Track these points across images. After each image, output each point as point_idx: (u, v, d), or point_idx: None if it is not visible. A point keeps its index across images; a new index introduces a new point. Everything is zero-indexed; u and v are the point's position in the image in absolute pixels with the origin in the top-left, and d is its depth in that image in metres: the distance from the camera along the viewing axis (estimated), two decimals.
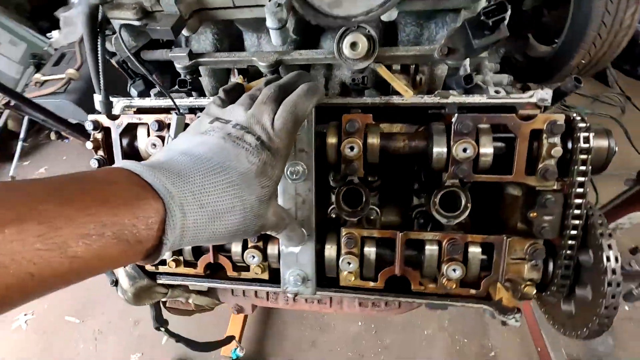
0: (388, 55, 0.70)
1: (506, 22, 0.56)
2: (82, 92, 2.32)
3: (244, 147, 0.51)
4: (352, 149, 0.64)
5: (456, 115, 0.62)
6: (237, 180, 0.48)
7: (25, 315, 2.31)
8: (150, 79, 0.70)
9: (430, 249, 0.67)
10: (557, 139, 0.59)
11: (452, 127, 0.61)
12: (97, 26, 0.71)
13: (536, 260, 0.63)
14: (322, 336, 2.22)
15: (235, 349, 1.74)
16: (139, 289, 0.87)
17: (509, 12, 0.54)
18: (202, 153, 0.49)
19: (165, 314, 1.06)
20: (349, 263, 0.68)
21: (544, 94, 0.66)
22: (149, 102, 0.76)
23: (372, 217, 0.77)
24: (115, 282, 0.89)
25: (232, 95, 0.60)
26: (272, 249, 0.72)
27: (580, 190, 0.58)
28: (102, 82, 0.73)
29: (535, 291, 0.65)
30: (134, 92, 0.90)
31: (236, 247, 0.73)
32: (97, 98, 0.74)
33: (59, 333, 2.24)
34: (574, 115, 0.60)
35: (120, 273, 0.87)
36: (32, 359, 2.15)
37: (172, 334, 1.11)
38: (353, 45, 0.62)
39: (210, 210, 0.45)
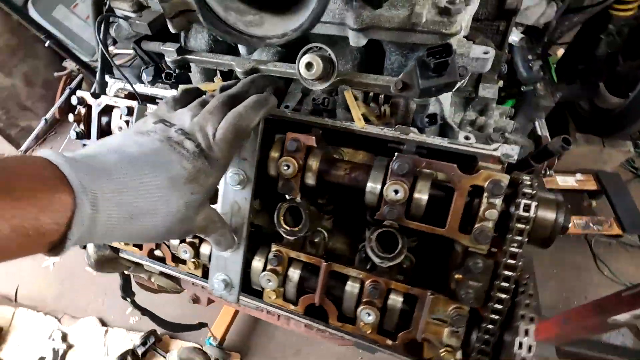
0: (356, 81, 0.68)
1: (452, 66, 0.52)
2: None
3: (180, 152, 0.51)
4: (287, 167, 0.63)
5: (396, 154, 0.59)
6: (165, 184, 0.48)
7: (50, 260, 2.56)
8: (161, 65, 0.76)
9: (351, 286, 0.64)
10: (498, 201, 0.54)
11: (389, 165, 0.58)
12: (102, 13, 0.78)
13: (456, 327, 0.57)
14: (308, 347, 2.19)
15: (209, 338, 1.78)
16: (102, 257, 0.93)
17: (453, 56, 0.51)
18: (133, 153, 0.49)
19: None
20: (269, 280, 0.67)
21: (510, 149, 0.60)
22: (141, 88, 0.82)
23: (316, 240, 0.76)
24: (84, 246, 0.96)
25: (187, 99, 0.62)
26: (204, 249, 0.74)
27: (511, 261, 0.52)
28: (99, 63, 0.80)
29: (453, 359, 0.59)
30: (145, 76, 0.97)
31: (174, 240, 0.76)
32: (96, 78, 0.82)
33: (76, 281, 2.45)
34: (524, 178, 0.54)
35: None
36: (46, 299, 2.37)
37: (137, 306, 1.18)
38: (308, 65, 0.61)
39: (128, 210, 0.45)
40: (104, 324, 2.28)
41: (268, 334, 2.27)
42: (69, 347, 2.20)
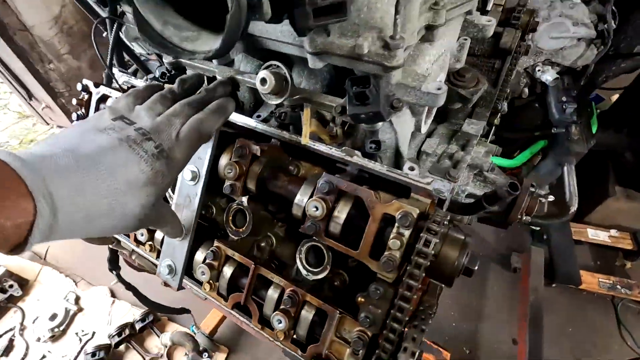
0: (314, 100, 0.72)
1: (375, 97, 0.54)
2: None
3: (139, 154, 0.51)
4: (230, 171, 0.68)
5: (324, 173, 0.62)
6: (122, 188, 0.48)
7: None
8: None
9: (272, 292, 0.68)
10: (406, 232, 0.55)
11: (317, 183, 0.61)
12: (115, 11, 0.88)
13: (355, 349, 0.59)
14: None
15: (192, 325, 1.86)
16: None
17: (371, 88, 0.53)
18: (90, 153, 0.48)
19: None
20: (202, 273, 0.72)
21: (442, 185, 0.62)
22: (139, 82, 0.91)
23: (262, 245, 0.80)
24: None
25: (147, 94, 0.63)
26: (158, 234, 0.80)
27: (407, 293, 0.53)
28: (108, 58, 0.91)
29: None
30: (157, 73, 1.07)
31: None
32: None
33: (98, 253, 2.64)
34: (437, 214, 0.55)
35: None
36: (69, 263, 2.60)
37: (122, 280, 1.27)
38: (263, 80, 0.67)
39: (85, 213, 0.45)
40: (112, 295, 2.46)
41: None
42: (79, 309, 2.40)
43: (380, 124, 0.68)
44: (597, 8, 1.73)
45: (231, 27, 0.43)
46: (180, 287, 0.80)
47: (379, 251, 0.58)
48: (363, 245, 0.58)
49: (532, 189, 0.92)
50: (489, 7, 1.00)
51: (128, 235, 0.88)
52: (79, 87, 0.89)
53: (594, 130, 2.28)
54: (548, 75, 1.91)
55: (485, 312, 2.41)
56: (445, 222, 0.54)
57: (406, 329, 0.55)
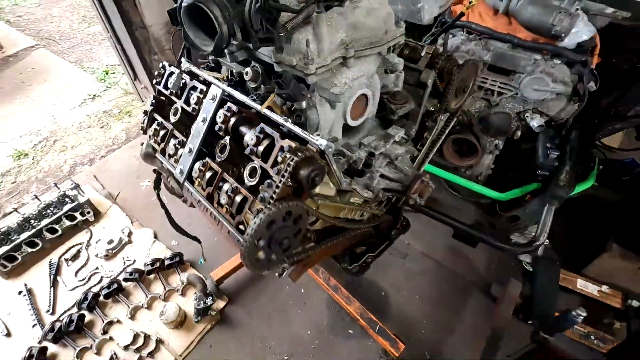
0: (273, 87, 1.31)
1: (292, 86, 1.11)
2: None
3: None
4: (220, 118, 1.28)
5: (261, 123, 1.19)
6: None
7: (147, 183, 3.64)
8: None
9: (227, 186, 1.25)
10: (289, 154, 1.09)
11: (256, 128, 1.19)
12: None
13: (256, 215, 1.13)
14: (293, 309, 2.75)
15: (201, 259, 2.48)
16: (147, 153, 1.71)
17: (284, 78, 1.10)
18: None
19: None
20: (195, 172, 1.32)
21: (323, 143, 1.15)
22: (194, 69, 1.58)
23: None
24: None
25: None
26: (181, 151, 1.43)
27: (276, 175, 1.07)
28: (180, 52, 1.59)
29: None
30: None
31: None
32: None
33: (153, 202, 3.46)
34: (308, 151, 1.08)
35: (146, 139, 1.72)
36: (131, 207, 3.43)
37: (160, 199, 1.94)
38: (246, 73, 1.27)
39: None
40: (155, 237, 3.21)
41: (260, 292, 2.87)
42: (129, 242, 3.18)
43: (303, 104, 1.24)
44: (580, 70, 2.09)
45: (217, 42, 1.04)
46: (183, 185, 1.41)
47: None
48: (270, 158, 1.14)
49: (423, 178, 1.40)
50: (422, 54, 1.51)
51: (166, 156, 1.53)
52: (160, 65, 1.58)
53: (588, 184, 2.54)
54: (535, 122, 2.29)
55: (456, 329, 2.70)
56: (309, 154, 1.07)
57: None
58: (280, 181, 1.08)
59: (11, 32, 6.17)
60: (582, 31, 1.91)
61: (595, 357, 1.42)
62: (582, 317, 1.62)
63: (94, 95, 4.87)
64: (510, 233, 2.73)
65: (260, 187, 1.14)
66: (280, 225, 1.12)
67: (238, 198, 1.20)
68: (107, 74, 5.24)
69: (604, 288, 2.71)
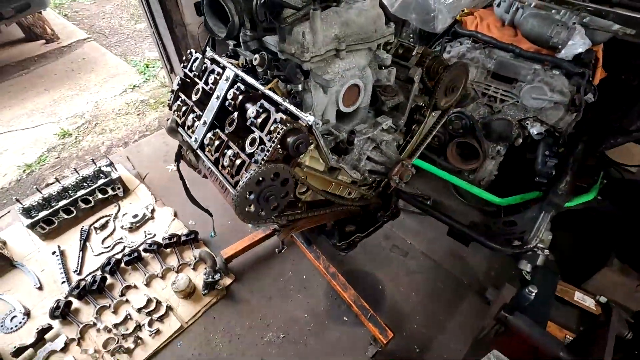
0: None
1: (289, 70, 1.36)
2: None
3: None
4: (231, 95, 1.56)
5: (262, 100, 1.44)
6: None
7: (172, 167, 4.00)
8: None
9: (230, 152, 1.51)
10: (280, 125, 1.34)
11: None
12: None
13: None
14: (295, 292, 2.97)
15: (212, 232, 2.76)
16: (171, 127, 2.01)
17: (285, 63, 1.35)
18: None
19: None
20: (207, 140, 1.60)
21: (311, 119, 1.39)
22: (215, 56, 1.87)
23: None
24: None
25: None
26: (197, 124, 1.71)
27: (267, 140, 1.32)
28: (205, 42, 1.89)
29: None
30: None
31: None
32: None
33: (177, 185, 3.80)
34: (285, 119, 1.33)
35: (171, 116, 2.03)
36: (157, 187, 3.79)
37: (179, 171, 2.24)
38: (255, 59, 1.53)
39: None
40: (175, 215, 3.54)
41: (264, 274, 3.12)
42: (151, 218, 3.53)
43: (299, 87, 1.48)
44: (578, 81, 2.22)
45: (230, 29, 1.31)
46: (197, 154, 1.68)
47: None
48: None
49: (404, 162, 1.62)
50: (413, 53, 1.73)
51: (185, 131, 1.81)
52: (188, 51, 1.88)
53: (590, 196, 2.63)
54: (535, 130, 2.43)
55: (448, 327, 2.83)
56: (297, 126, 1.31)
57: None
58: (270, 146, 1.32)
59: (68, 26, 6.88)
60: (577, 44, 2.06)
61: (556, 343, 1.55)
62: (534, 294, 1.79)
63: (134, 86, 5.36)
64: (513, 239, 2.85)
65: (255, 152, 1.39)
66: (268, 184, 1.36)
67: (238, 161, 1.45)
68: (147, 67, 5.75)
69: (602, 299, 2.76)
